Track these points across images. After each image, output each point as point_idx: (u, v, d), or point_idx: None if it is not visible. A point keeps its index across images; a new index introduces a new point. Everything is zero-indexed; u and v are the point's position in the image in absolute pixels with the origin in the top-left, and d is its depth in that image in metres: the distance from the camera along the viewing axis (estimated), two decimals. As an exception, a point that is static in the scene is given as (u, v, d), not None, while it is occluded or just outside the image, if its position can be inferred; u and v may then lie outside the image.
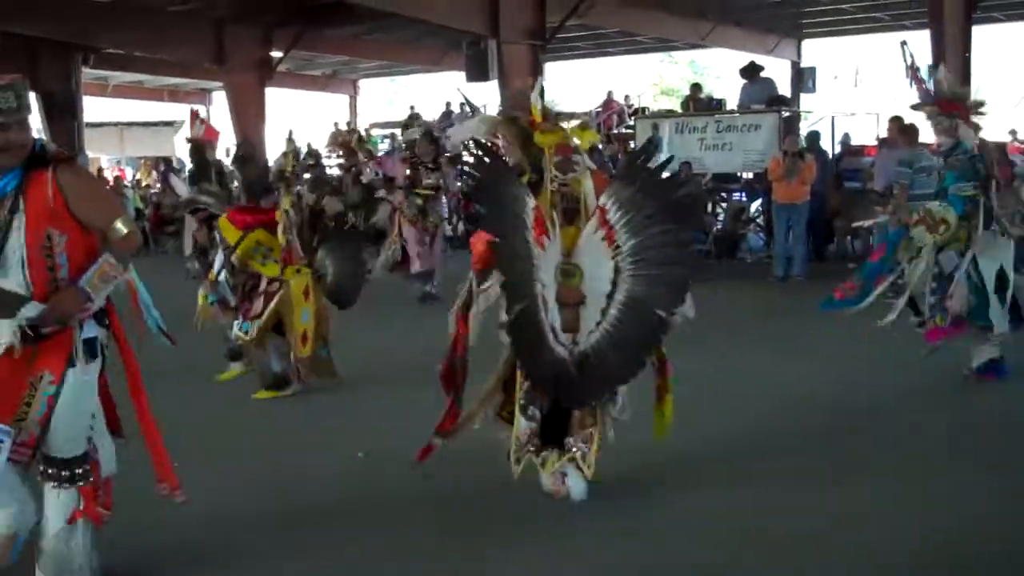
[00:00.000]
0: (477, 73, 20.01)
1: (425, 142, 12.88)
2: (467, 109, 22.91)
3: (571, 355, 4.90)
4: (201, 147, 9.08)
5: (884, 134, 15.92)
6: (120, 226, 4.02)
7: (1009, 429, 6.40)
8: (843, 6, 22.26)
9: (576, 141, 5.19)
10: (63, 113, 26.27)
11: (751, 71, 18.88)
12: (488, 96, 20.84)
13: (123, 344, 4.21)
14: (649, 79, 42.66)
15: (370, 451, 6.03)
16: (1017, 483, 5.34)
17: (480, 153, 4.99)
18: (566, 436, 5.06)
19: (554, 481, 5.13)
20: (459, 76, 22.11)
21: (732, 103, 19.75)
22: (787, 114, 18.38)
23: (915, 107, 7.84)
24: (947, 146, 7.47)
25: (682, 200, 5.05)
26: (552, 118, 5.20)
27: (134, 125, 34.24)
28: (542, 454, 5.08)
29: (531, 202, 4.89)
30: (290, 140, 18.94)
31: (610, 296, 4.87)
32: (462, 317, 5.20)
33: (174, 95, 34.91)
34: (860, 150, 18.87)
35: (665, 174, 5.35)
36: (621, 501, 5.10)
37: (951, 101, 7.42)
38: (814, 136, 17.12)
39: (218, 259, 8.04)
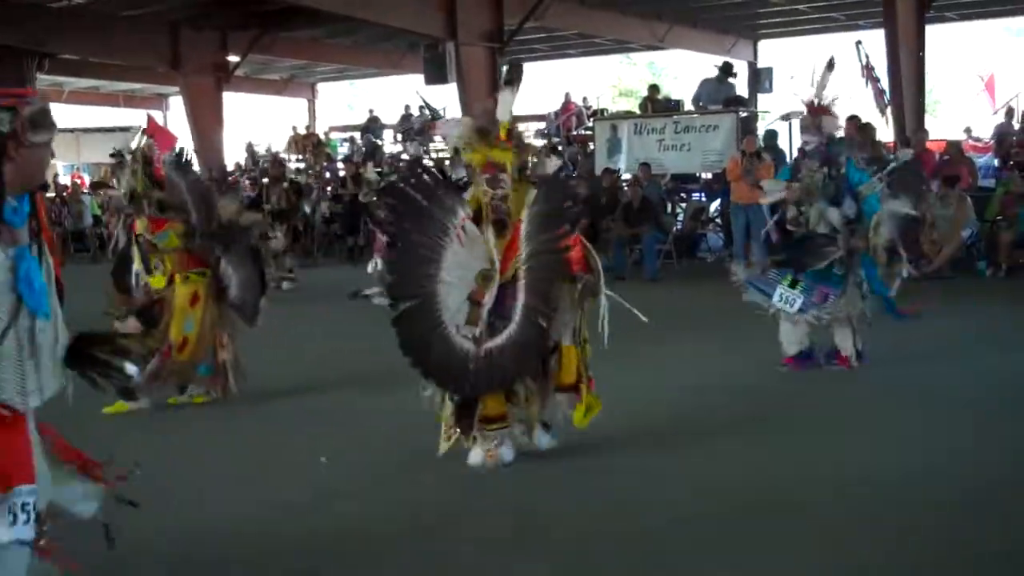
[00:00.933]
0: (435, 76, 20.02)
1: None
2: (426, 112, 23.03)
3: (476, 346, 5.39)
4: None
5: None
6: None
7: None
8: (799, 6, 22.44)
9: (502, 160, 5.54)
10: (18, 120, 25.96)
11: (726, 72, 18.98)
12: (447, 99, 20.87)
13: None
14: (607, 80, 42.83)
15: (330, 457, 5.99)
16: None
17: (416, 170, 5.60)
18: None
19: (488, 452, 5.63)
20: (418, 79, 22.10)
21: (690, 104, 19.87)
22: (744, 114, 18.51)
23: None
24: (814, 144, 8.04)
25: (565, 204, 5.48)
26: (515, 136, 5.65)
27: (90, 131, 33.90)
28: (472, 433, 5.62)
29: (462, 212, 5.35)
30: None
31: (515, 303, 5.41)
32: None
33: (130, 100, 34.62)
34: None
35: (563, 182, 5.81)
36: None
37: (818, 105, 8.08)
38: (771, 135, 17.26)
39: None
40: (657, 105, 20.27)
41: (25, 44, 23.16)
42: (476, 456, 5.66)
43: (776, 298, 7.91)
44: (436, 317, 5.36)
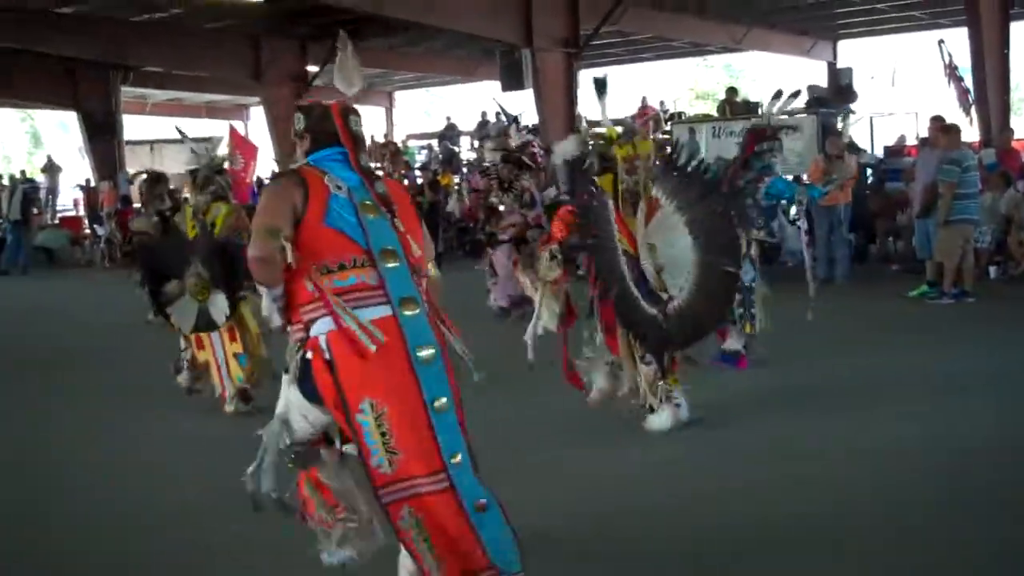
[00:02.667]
0: (512, 82, 20.05)
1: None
2: (503, 118, 23.06)
3: (665, 309, 6.17)
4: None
5: (924, 134, 15.79)
6: None
7: None
8: (879, 5, 22.11)
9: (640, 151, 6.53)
10: (103, 132, 26.64)
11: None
12: (523, 105, 20.87)
13: None
14: (684, 84, 42.54)
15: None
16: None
17: (583, 181, 6.64)
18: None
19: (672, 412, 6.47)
20: (494, 85, 22.17)
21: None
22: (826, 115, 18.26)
23: None
24: None
25: (711, 183, 6.38)
26: (627, 135, 6.58)
27: (173, 142, 34.51)
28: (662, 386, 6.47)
29: (611, 204, 6.33)
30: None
31: (690, 259, 6.10)
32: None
33: (212, 111, 35.21)
34: (901, 150, 18.72)
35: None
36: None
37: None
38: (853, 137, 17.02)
39: None
40: (735, 108, 20.08)
41: (111, 58, 23.73)
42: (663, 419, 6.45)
43: None
44: (632, 296, 6.25)
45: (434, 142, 29.07)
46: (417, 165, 27.42)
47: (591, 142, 6.84)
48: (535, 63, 19.37)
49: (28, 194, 22.72)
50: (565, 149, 6.94)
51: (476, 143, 27.83)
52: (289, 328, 3.87)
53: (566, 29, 19.82)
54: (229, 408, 7.47)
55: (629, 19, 20.99)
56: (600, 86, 6.83)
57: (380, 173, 4.66)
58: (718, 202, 6.20)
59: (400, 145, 29.07)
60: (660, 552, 4.61)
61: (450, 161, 25.84)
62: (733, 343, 8.18)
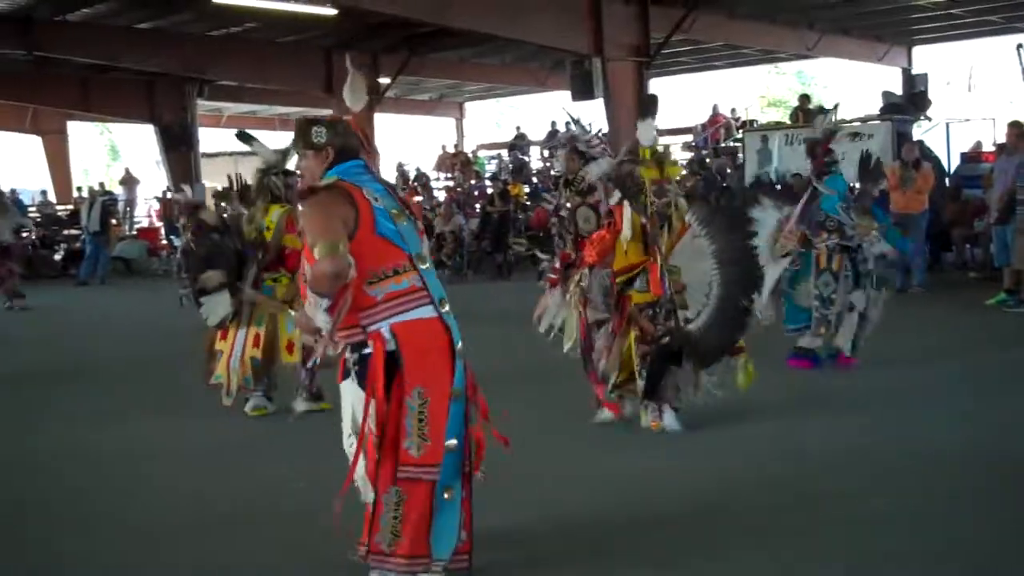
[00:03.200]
0: (582, 92, 20.02)
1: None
2: (573, 128, 23.09)
3: (681, 327, 6.51)
4: None
5: (1002, 139, 15.53)
6: None
7: None
8: (954, 11, 21.76)
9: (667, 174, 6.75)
10: (180, 144, 27.10)
11: None
12: (594, 114, 20.87)
13: None
14: (755, 91, 42.24)
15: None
16: None
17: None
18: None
19: (653, 419, 6.71)
20: (564, 95, 22.18)
21: (842, 113, 19.45)
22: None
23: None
24: None
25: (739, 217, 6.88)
26: (656, 156, 6.72)
27: (248, 154, 34.99)
28: (646, 402, 6.72)
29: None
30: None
31: (710, 286, 6.46)
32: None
33: (285, 124, 35.58)
34: (978, 156, 18.43)
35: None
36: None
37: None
38: (920, 144, 16.78)
39: None
40: (808, 115, 19.91)
41: (187, 72, 24.15)
42: (647, 419, 6.73)
43: None
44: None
45: (504, 152, 29.19)
46: (487, 175, 27.57)
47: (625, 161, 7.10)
48: (605, 72, 19.33)
49: (107, 206, 23.14)
50: (600, 168, 7.22)
51: (546, 153, 27.91)
52: (338, 334, 4.11)
53: (637, 38, 19.78)
54: (227, 401, 7.68)
55: (700, 27, 20.91)
56: (650, 102, 7.26)
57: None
58: (745, 236, 6.59)
59: (470, 155, 29.25)
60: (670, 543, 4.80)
61: (520, 171, 25.93)
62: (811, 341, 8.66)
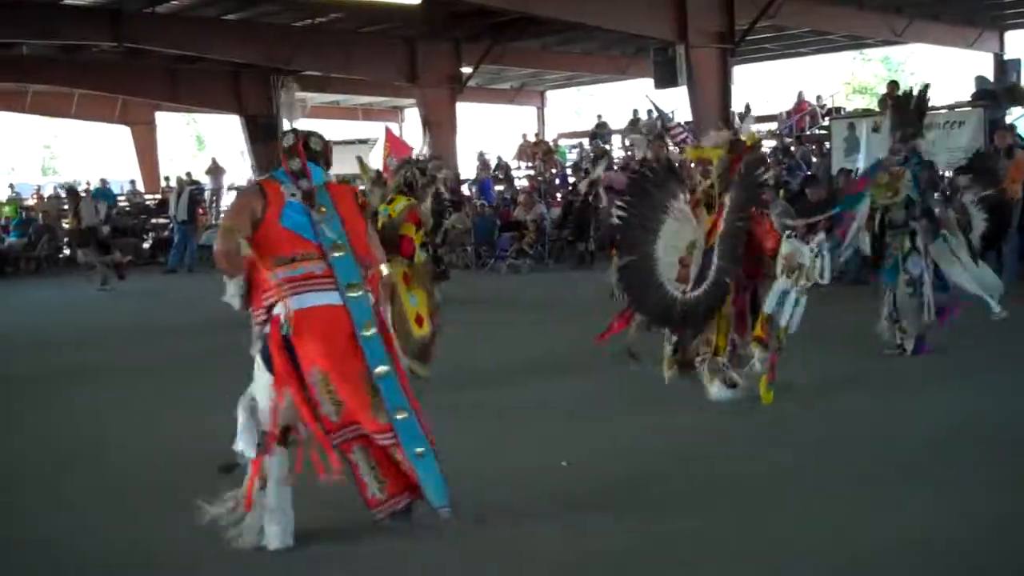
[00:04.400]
0: (666, 79, 19.89)
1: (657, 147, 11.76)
2: (655, 116, 22.95)
3: (681, 297, 6.93)
4: None
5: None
6: None
7: None
8: (1049, -6, 21.26)
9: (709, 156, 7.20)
10: (265, 135, 27.39)
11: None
12: (676, 102, 20.72)
13: None
14: (840, 78, 41.59)
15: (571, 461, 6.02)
16: None
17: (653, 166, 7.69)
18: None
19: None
20: (646, 83, 22.05)
21: (932, 99, 19.05)
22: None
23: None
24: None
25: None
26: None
27: (331, 144, 35.32)
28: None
29: (681, 196, 7.09)
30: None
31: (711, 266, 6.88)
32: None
33: (368, 113, 35.94)
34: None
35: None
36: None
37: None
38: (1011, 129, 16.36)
39: None
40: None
41: (273, 62, 24.41)
42: (715, 391, 7.13)
43: None
44: (652, 271, 6.98)
45: (585, 141, 29.10)
46: (568, 164, 27.52)
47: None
48: (689, 60, 19.18)
49: (194, 195, 23.56)
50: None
51: (627, 141, 27.78)
52: (252, 312, 4.73)
53: (721, 24, 19.59)
54: None
55: (786, 13, 20.63)
56: (746, 111, 7.58)
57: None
58: (744, 214, 6.90)
59: (551, 144, 29.21)
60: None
61: (602, 159, 25.83)
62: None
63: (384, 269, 4.95)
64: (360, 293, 4.68)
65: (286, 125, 5.22)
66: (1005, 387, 7.50)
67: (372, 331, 4.69)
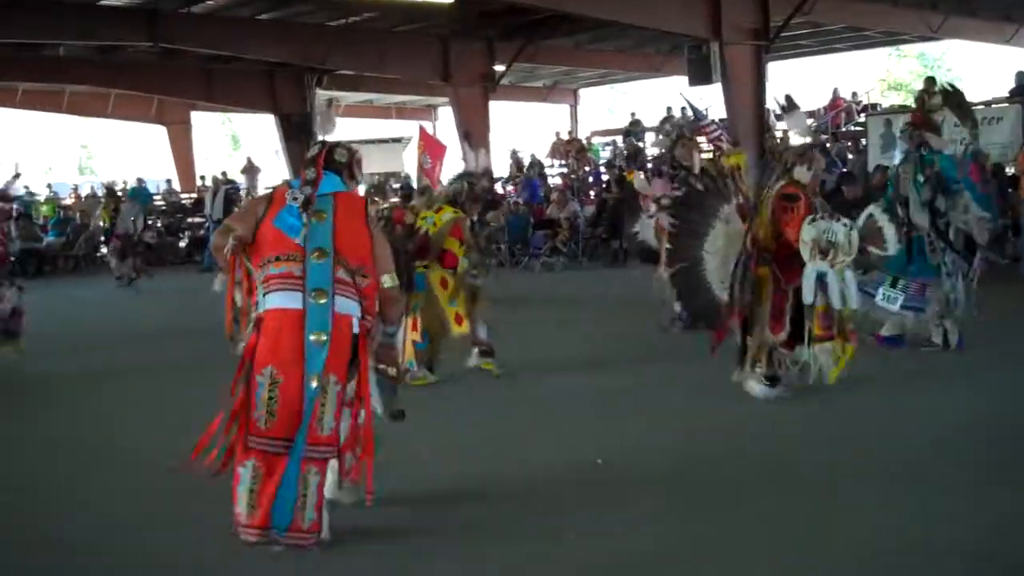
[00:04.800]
0: (700, 77, 19.81)
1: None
2: (689, 114, 22.84)
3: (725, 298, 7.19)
4: None
5: None
6: None
7: None
8: (1089, -12, 20.99)
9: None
10: (299, 134, 27.50)
11: None
12: (711, 99, 20.63)
13: None
14: (875, 74, 41.30)
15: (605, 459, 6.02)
16: None
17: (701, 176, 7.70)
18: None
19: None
20: (680, 81, 21.97)
21: (968, 96, 18.86)
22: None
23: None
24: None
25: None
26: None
27: (364, 143, 35.47)
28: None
29: (734, 202, 7.24)
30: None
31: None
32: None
33: (402, 112, 36.01)
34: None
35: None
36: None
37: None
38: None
39: None
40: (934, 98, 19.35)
41: (307, 62, 24.51)
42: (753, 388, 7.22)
43: (879, 298, 8.58)
44: (700, 275, 7.24)
45: (619, 138, 29.02)
46: (601, 162, 27.47)
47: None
48: (723, 57, 19.09)
49: (229, 194, 23.69)
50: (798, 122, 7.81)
51: (660, 138, 27.69)
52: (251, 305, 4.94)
53: (756, 21, 19.48)
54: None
55: (821, 9, 20.50)
56: (789, 103, 7.70)
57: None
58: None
59: (584, 142, 29.17)
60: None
61: (635, 157, 25.76)
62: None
63: (387, 281, 4.94)
64: (324, 301, 4.75)
65: (319, 134, 5.43)
66: (1005, 387, 7.47)
67: (322, 338, 4.73)
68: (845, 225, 6.84)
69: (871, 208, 7.27)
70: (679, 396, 7.52)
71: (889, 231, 7.06)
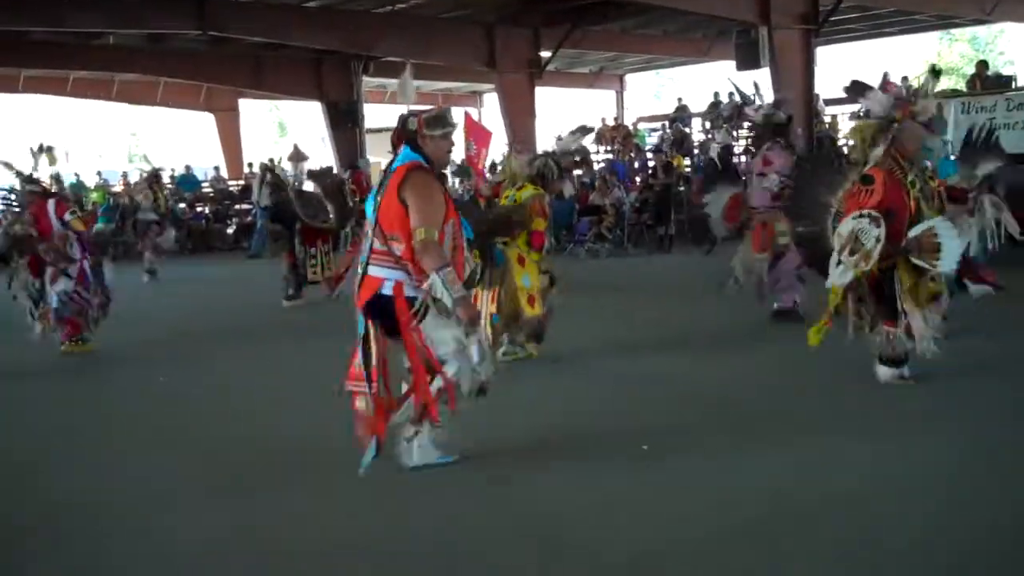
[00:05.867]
0: (748, 61, 19.67)
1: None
2: (736, 99, 22.65)
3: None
4: None
5: None
6: None
7: None
8: None
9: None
10: (346, 121, 27.65)
11: None
12: (759, 84, 20.43)
13: None
14: (925, 58, 40.76)
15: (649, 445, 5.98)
16: None
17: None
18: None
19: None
20: (727, 66, 21.81)
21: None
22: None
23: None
24: None
25: None
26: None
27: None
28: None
29: (852, 176, 7.00)
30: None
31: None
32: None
33: (448, 98, 35.99)
34: None
35: None
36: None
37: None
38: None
39: None
40: (986, 82, 19.10)
41: (353, 49, 24.57)
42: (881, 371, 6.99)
43: None
44: (826, 239, 6.99)
45: (665, 124, 28.86)
46: (648, 147, 27.33)
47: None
48: (772, 41, 18.93)
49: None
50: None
51: (708, 124, 27.49)
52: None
53: (805, 5, 19.31)
54: None
55: (872, -8, 20.30)
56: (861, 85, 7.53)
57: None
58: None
59: (631, 128, 29.04)
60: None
61: (681, 143, 25.62)
62: None
63: (420, 233, 5.11)
64: (360, 271, 5.38)
65: (402, 109, 5.54)
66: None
67: (359, 305, 5.35)
68: (877, 239, 6.58)
69: (936, 221, 6.72)
70: (717, 384, 7.45)
71: (950, 247, 6.63)
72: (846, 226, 6.74)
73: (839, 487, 5.07)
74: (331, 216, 13.75)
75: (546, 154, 8.76)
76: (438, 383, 5.20)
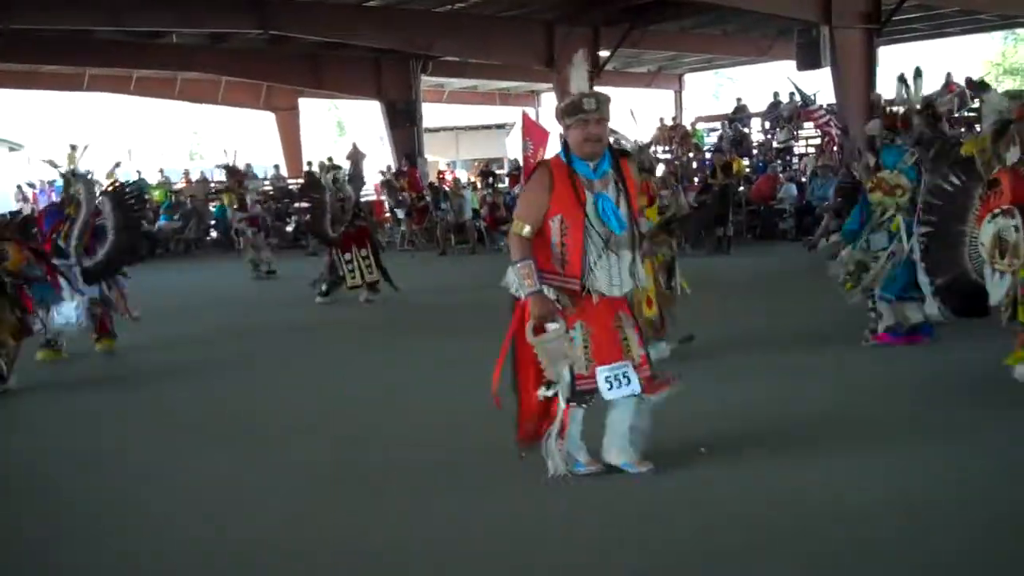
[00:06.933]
0: (808, 61, 19.53)
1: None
2: (796, 99, 22.51)
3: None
4: None
5: None
6: None
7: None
8: None
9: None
10: (404, 120, 27.82)
11: None
12: (819, 84, 20.30)
13: None
14: (989, 59, 40.19)
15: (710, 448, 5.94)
16: None
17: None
18: None
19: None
20: (787, 65, 21.65)
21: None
22: None
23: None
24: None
25: None
26: None
27: (468, 129, 35.72)
28: None
29: (979, 192, 6.64)
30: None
31: None
32: None
33: (505, 98, 36.08)
34: None
35: None
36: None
37: None
38: None
39: None
40: (1052, 83, 18.80)
41: (412, 48, 24.71)
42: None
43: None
44: (967, 274, 6.73)
45: (723, 124, 28.69)
46: (706, 147, 27.18)
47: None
48: (834, 41, 18.76)
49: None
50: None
51: (767, 124, 27.32)
52: None
53: (867, 5, 19.11)
54: None
55: (935, -8, 20.04)
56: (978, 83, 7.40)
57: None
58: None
59: (689, 128, 28.90)
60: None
61: (740, 143, 25.47)
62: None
63: (513, 226, 5.15)
64: None
65: (575, 89, 5.30)
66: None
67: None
68: (1016, 228, 6.34)
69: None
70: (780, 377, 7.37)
71: None
72: (985, 233, 6.50)
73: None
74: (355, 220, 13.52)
75: (644, 147, 8.62)
76: (544, 391, 5.10)
